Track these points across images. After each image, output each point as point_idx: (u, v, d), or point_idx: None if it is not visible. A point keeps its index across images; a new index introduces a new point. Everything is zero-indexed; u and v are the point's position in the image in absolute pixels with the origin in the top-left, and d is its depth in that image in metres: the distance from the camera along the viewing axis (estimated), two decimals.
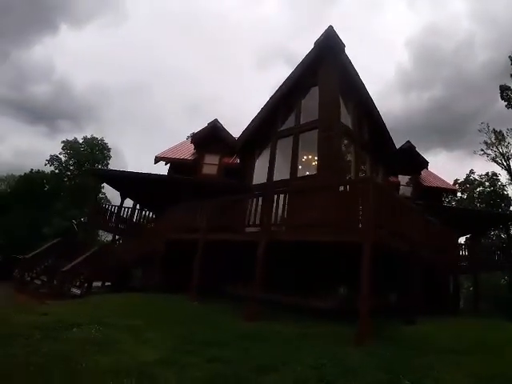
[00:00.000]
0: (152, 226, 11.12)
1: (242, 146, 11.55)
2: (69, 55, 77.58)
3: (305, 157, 10.26)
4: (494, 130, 25.35)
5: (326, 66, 10.00)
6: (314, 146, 9.52)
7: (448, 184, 15.17)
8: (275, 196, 6.31)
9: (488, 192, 25.69)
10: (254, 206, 6.73)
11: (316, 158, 9.52)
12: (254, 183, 10.84)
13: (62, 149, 32.74)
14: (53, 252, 9.75)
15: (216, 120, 14.67)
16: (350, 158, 10.00)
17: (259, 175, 10.78)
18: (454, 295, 11.65)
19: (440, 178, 15.19)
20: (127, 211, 12.16)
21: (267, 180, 10.25)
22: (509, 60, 22.32)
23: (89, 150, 32.87)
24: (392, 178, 14.06)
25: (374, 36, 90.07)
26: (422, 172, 14.95)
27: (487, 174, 26.53)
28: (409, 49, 79.66)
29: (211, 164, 14.28)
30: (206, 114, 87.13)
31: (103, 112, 77.33)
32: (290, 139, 10.28)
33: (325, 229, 5.65)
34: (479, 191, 26.21)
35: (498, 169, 25.71)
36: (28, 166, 34.24)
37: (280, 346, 3.84)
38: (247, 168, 11.58)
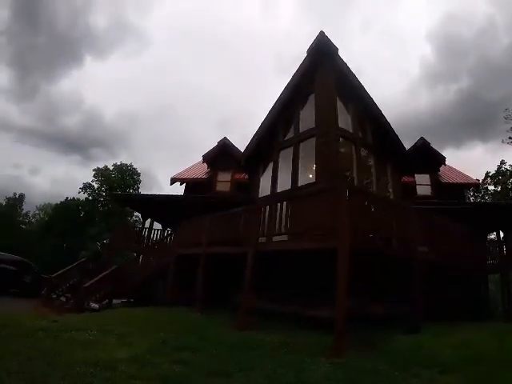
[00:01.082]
0: (167, 242, 11.76)
1: (246, 162, 11.95)
2: (96, 85, 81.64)
3: (305, 165, 10.37)
4: None
5: (321, 72, 10.09)
6: (313, 153, 9.63)
7: (470, 178, 14.30)
8: (262, 208, 6.54)
9: None
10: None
11: (315, 165, 9.61)
12: (260, 196, 11.11)
13: (94, 176, 35.46)
14: (78, 271, 10.69)
15: (225, 138, 15.33)
16: (351, 162, 9.94)
17: (265, 188, 11.03)
18: (482, 298, 10.81)
19: (461, 173, 14.41)
20: (145, 231, 13.01)
21: (271, 192, 10.48)
22: None
23: (119, 176, 35.23)
24: (408, 178, 13.62)
25: (395, 33, 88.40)
26: (442, 168, 14.29)
27: None
28: (430, 41, 77.13)
29: (224, 181, 14.88)
30: (235, 128, 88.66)
31: (135, 137, 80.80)
32: (291, 150, 10.48)
33: (310, 237, 5.74)
34: None
35: None
36: (64, 194, 37.26)
37: (252, 353, 3.96)
38: (254, 182, 11.92)
